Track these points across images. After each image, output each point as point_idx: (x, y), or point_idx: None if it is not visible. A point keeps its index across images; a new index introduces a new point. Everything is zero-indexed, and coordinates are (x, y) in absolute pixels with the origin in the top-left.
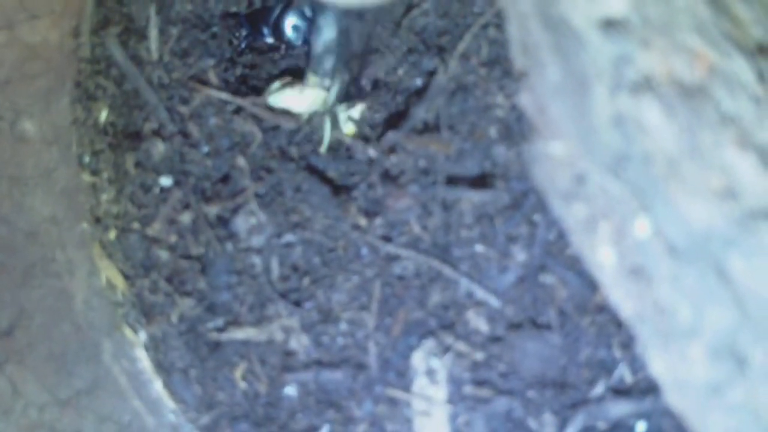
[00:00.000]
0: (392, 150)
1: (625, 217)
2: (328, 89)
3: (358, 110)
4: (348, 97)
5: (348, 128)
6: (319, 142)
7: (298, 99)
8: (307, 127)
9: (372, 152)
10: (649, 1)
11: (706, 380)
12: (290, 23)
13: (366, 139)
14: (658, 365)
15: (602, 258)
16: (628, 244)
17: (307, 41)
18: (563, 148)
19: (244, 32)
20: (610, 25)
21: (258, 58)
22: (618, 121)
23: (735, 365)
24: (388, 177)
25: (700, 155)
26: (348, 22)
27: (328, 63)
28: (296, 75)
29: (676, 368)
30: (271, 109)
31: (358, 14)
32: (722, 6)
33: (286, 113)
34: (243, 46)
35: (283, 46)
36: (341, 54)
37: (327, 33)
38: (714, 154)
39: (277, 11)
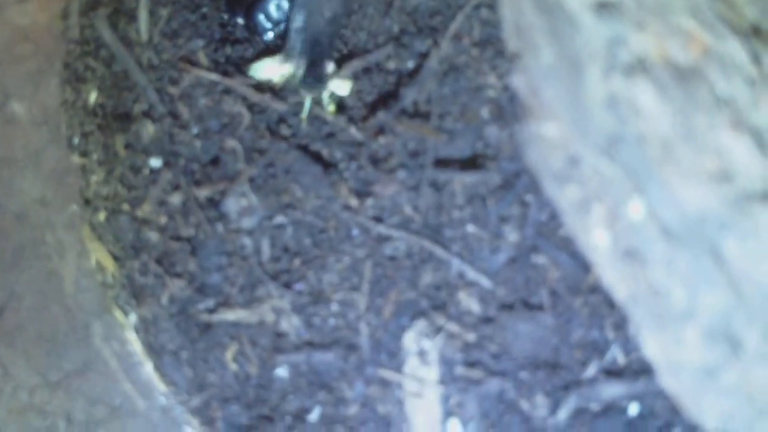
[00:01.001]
0: (382, 131)
1: (619, 199)
2: (302, 68)
3: (344, 89)
4: (334, 75)
5: (331, 107)
6: (308, 122)
7: (278, 69)
8: (296, 106)
9: (362, 134)
10: None
11: (700, 362)
12: (263, 11)
13: (357, 120)
14: (652, 347)
15: (596, 240)
16: (621, 226)
17: (276, 32)
18: (556, 130)
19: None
20: (603, 6)
21: (248, 39)
22: (612, 103)
23: (729, 348)
24: (377, 159)
25: (695, 137)
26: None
27: (300, 44)
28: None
29: (670, 350)
30: (260, 89)
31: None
32: None
33: (274, 93)
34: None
35: (255, 36)
36: (315, 36)
37: (300, 16)
38: (708, 137)
39: None
